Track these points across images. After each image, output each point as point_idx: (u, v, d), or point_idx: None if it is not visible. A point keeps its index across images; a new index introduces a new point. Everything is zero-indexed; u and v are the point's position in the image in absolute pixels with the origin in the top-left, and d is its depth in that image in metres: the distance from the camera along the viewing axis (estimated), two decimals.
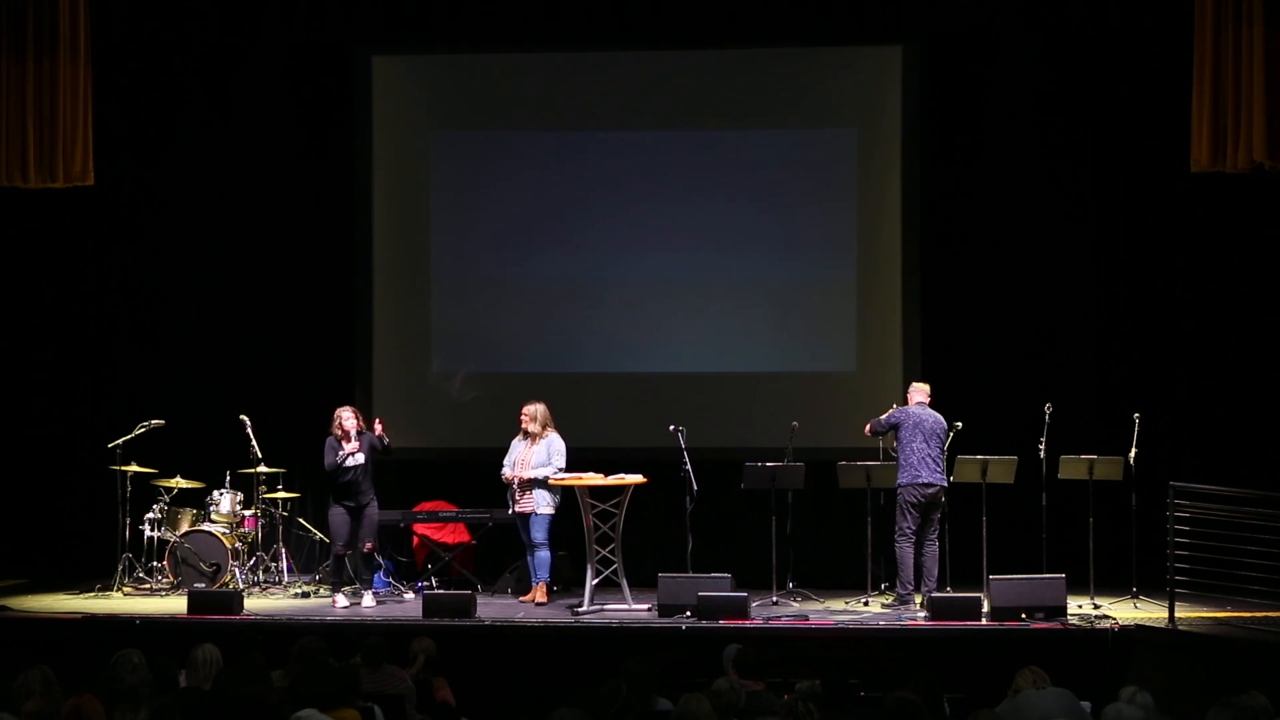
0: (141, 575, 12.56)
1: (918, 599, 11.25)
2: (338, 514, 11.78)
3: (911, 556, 11.32)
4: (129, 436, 12.54)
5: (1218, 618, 10.49)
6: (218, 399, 13.43)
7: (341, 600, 11.68)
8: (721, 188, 13.50)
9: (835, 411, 13.13)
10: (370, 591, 11.89)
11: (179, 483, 12.66)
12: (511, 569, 12.61)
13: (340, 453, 11.67)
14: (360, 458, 11.71)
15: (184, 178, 13.89)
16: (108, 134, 13.11)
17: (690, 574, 11.34)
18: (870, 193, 13.46)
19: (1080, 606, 10.94)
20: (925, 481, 11.26)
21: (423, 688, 8.58)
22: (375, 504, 11.92)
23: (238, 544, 12.48)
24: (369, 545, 11.87)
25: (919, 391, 11.64)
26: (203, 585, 11.85)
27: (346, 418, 11.76)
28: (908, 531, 11.31)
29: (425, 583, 12.63)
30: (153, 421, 12.64)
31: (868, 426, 11.71)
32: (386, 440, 11.85)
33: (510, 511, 11.96)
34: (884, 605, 11.54)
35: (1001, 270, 13.35)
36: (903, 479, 11.32)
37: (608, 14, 13.60)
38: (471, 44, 13.78)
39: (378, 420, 12.01)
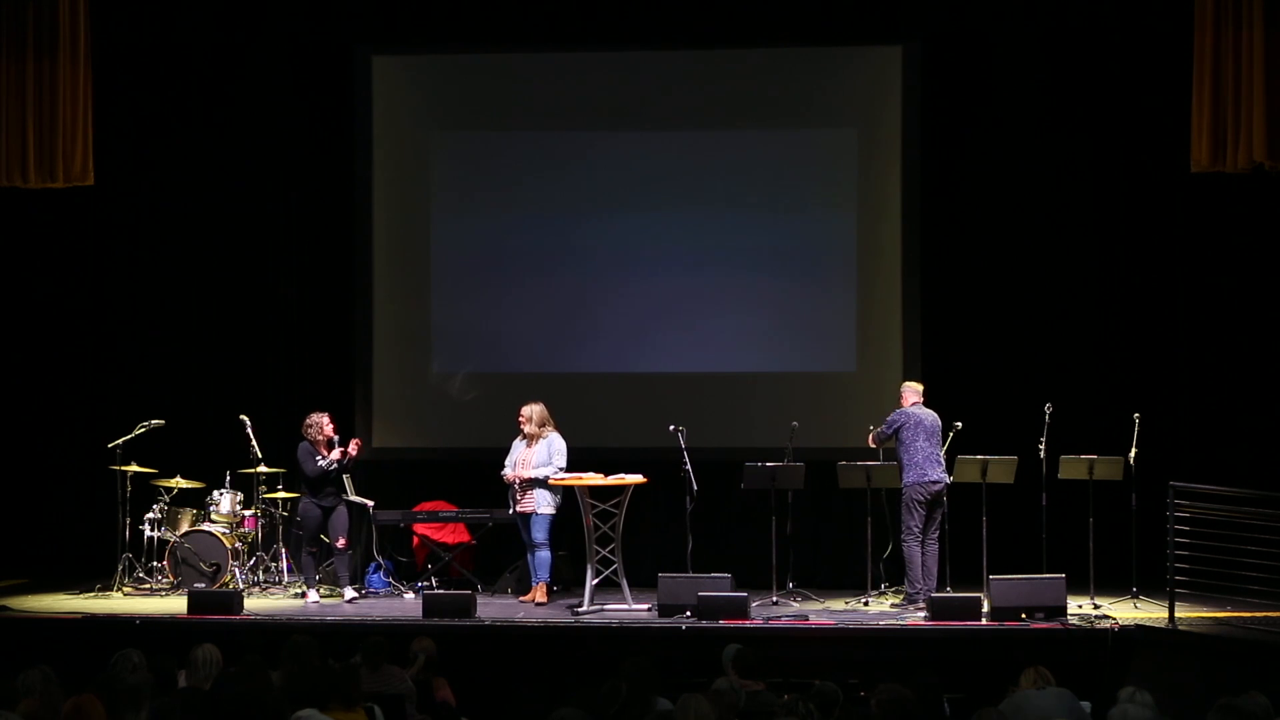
0: (141, 575, 12.55)
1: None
2: (312, 511, 11.92)
3: (919, 555, 11.33)
4: (129, 436, 12.53)
5: (1218, 618, 10.49)
6: (218, 399, 13.43)
7: (313, 595, 11.78)
8: (721, 187, 13.50)
9: (835, 411, 13.13)
10: (352, 587, 11.95)
11: (179, 483, 12.66)
12: (511, 569, 12.61)
13: (326, 460, 11.84)
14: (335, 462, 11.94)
15: (184, 178, 13.89)
16: (108, 134, 13.11)
17: (690, 574, 11.33)
18: (870, 193, 13.46)
19: (1080, 606, 10.93)
20: (932, 479, 11.30)
21: (423, 688, 8.58)
22: (344, 503, 12.08)
23: (238, 544, 12.48)
24: (343, 541, 11.97)
25: (912, 391, 11.64)
26: (203, 585, 11.86)
27: (329, 426, 11.96)
28: (915, 530, 11.32)
29: (425, 583, 12.63)
30: (153, 421, 12.64)
31: (871, 439, 11.72)
32: (348, 463, 12.08)
33: (511, 511, 11.96)
34: (892, 604, 11.53)
35: (1001, 270, 13.35)
36: (909, 478, 11.33)
37: (608, 14, 13.59)
38: (471, 44, 13.77)
39: (355, 441, 12.19)
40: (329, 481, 11.94)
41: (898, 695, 6.69)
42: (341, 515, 12.03)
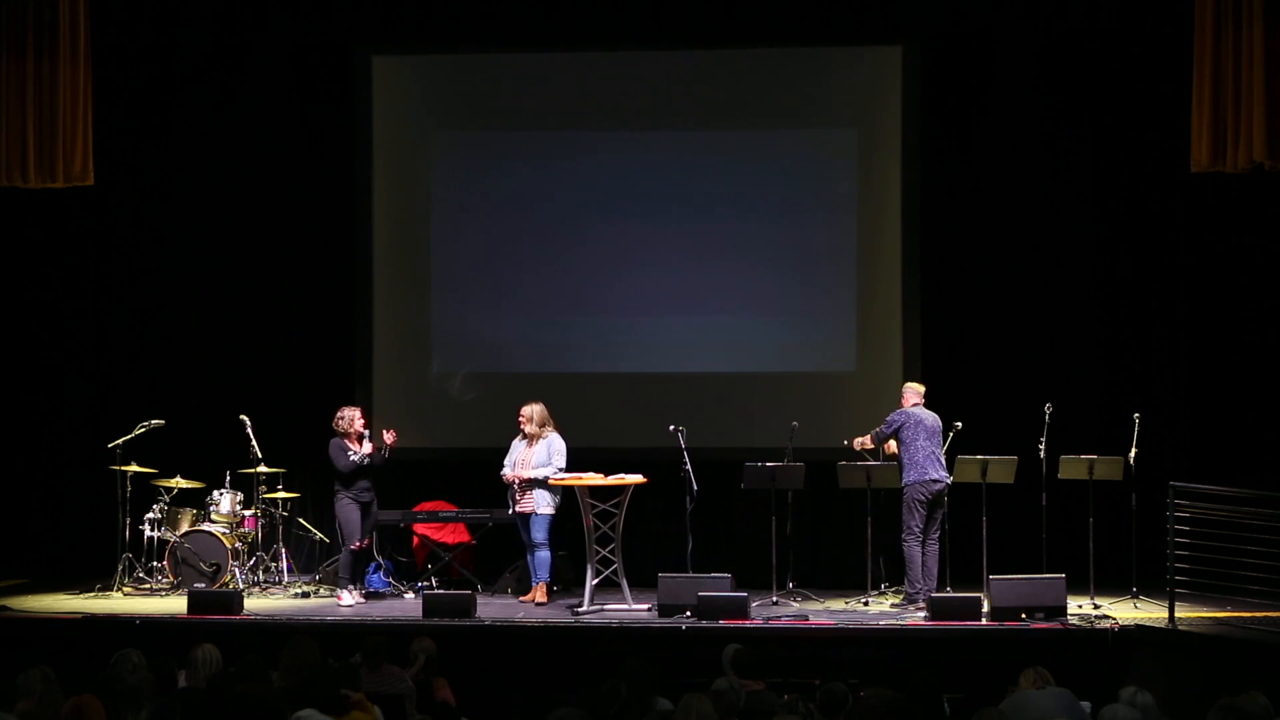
0: (141, 575, 12.55)
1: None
2: (352, 509, 11.82)
3: (919, 555, 11.33)
4: (129, 436, 12.53)
5: (1218, 618, 10.49)
6: (218, 399, 13.42)
7: (347, 598, 11.68)
8: (721, 187, 13.50)
9: (835, 411, 13.12)
10: (357, 588, 11.93)
11: (179, 483, 12.66)
12: (511, 569, 12.61)
13: (358, 454, 11.78)
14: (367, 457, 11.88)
15: (184, 178, 13.88)
16: (108, 134, 13.11)
17: (690, 574, 11.34)
18: (870, 192, 13.46)
19: (1080, 606, 10.94)
20: (932, 478, 11.29)
21: (423, 688, 8.58)
22: (376, 501, 12.05)
23: (238, 544, 12.48)
24: (367, 541, 11.97)
25: (913, 392, 11.64)
26: (203, 585, 11.85)
27: (359, 420, 11.92)
28: (915, 530, 11.32)
29: (425, 583, 12.63)
30: (153, 421, 12.63)
31: (869, 439, 11.69)
32: (386, 452, 11.96)
33: (511, 511, 11.95)
34: (892, 604, 11.53)
35: (1001, 270, 13.35)
36: (909, 478, 11.33)
37: (608, 14, 13.59)
38: (471, 44, 13.78)
39: (391, 432, 12.03)
40: (363, 476, 11.85)
41: (886, 699, 6.69)
42: (374, 515, 12.03)
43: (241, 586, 12.09)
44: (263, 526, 12.86)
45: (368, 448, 11.84)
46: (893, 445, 11.62)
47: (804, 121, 13.54)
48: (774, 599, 11.60)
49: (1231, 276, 13.06)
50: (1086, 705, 7.61)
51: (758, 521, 12.18)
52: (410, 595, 12.28)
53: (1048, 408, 11.67)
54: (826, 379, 13.46)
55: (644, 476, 11.60)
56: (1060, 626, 10.40)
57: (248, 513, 12.70)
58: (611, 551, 11.44)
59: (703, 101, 13.57)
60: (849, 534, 12.45)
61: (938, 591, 11.32)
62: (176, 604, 11.43)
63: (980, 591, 11.05)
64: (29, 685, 6.88)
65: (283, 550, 12.87)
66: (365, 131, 13.79)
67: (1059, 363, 13.17)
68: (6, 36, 12.42)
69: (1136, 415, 11.62)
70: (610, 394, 13.51)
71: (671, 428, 11.72)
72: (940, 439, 11.44)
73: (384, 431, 12.00)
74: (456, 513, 13.02)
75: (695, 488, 11.57)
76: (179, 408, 13.16)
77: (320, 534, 13.33)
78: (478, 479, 12.85)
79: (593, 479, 11.48)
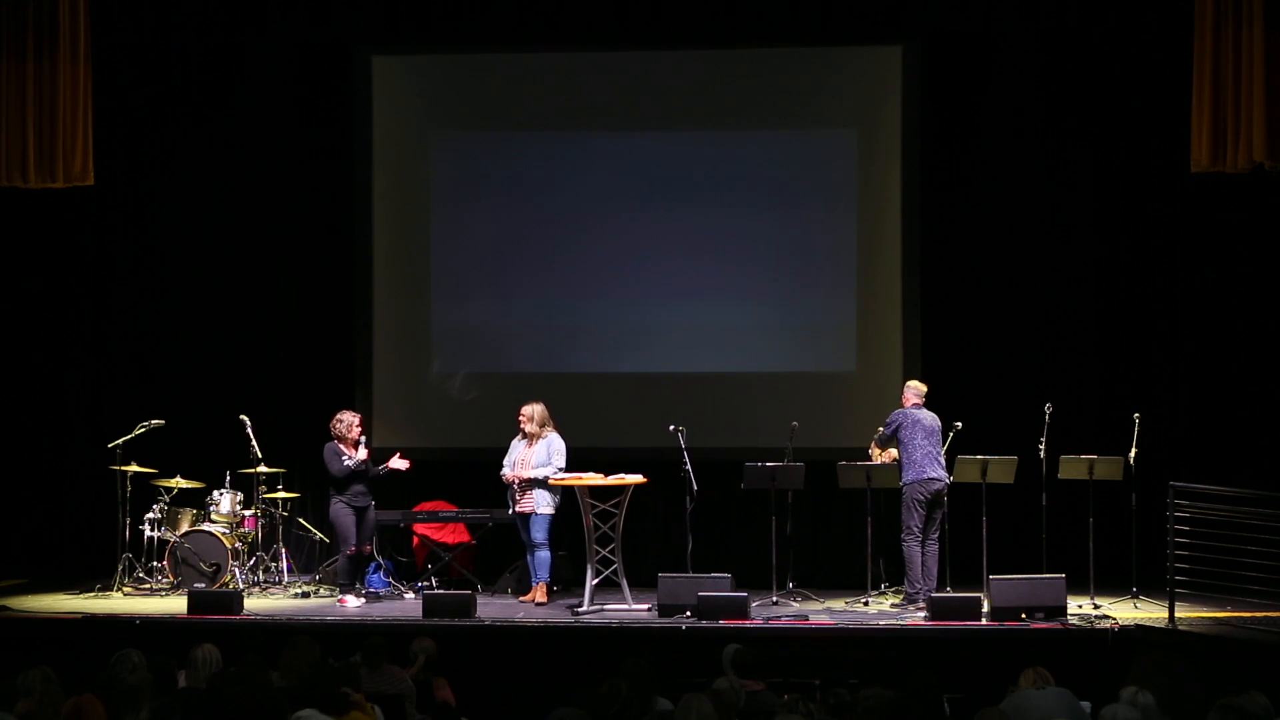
0: (141, 575, 12.55)
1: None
2: (346, 514, 11.79)
3: (919, 555, 11.33)
4: (129, 436, 12.53)
5: (1218, 618, 10.49)
6: (218, 399, 13.43)
7: (352, 601, 11.67)
8: (721, 187, 13.50)
9: (835, 411, 13.14)
10: (355, 592, 11.91)
11: (179, 483, 12.66)
12: (511, 569, 12.61)
13: (353, 460, 11.75)
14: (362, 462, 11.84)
15: (184, 178, 13.89)
16: (108, 134, 13.11)
17: (690, 574, 11.34)
18: (870, 193, 13.46)
19: (1080, 606, 10.94)
20: (931, 477, 11.29)
21: (423, 688, 8.58)
22: (373, 506, 12.00)
23: (238, 544, 12.48)
24: (368, 547, 11.93)
25: (914, 392, 11.64)
26: (203, 585, 11.85)
27: (357, 427, 11.88)
28: (915, 530, 11.32)
29: (425, 583, 12.63)
30: (153, 421, 12.64)
31: (874, 447, 11.74)
32: (384, 471, 11.95)
33: (510, 511, 11.95)
34: (892, 604, 11.53)
35: (1001, 270, 13.35)
36: (908, 477, 11.33)
37: (608, 14, 13.60)
38: (471, 44, 13.78)
39: (405, 460, 12.03)
40: (357, 481, 11.81)
41: (886, 699, 6.69)
42: (371, 520, 11.95)
43: (241, 586, 12.09)
44: (263, 526, 12.87)
45: (363, 453, 11.83)
46: (890, 453, 11.68)
47: (804, 121, 13.54)
48: (774, 599, 11.60)
49: (1231, 276, 13.06)
50: (1086, 705, 7.61)
51: (758, 521, 12.17)
52: (410, 595, 12.28)
53: (1048, 408, 11.67)
54: (826, 379, 13.46)
55: (644, 476, 11.60)
56: (1060, 626, 10.40)
57: (248, 513, 12.70)
58: (611, 551, 11.44)
59: (703, 101, 13.57)
60: (849, 534, 12.45)
61: (938, 591, 11.32)
62: (176, 604, 11.43)
63: (980, 591, 11.05)
64: (29, 685, 6.88)
65: (283, 550, 12.87)
66: (365, 131, 13.79)
67: (1059, 363, 13.18)
68: (6, 36, 12.42)
69: (1136, 415, 11.62)
70: (611, 394, 13.51)
71: (671, 428, 11.71)
72: (939, 439, 11.44)
73: (398, 455, 11.98)
74: (456, 513, 13.02)
75: (695, 488, 11.57)
76: (179, 408, 13.17)
77: (320, 534, 13.33)
78: (478, 479, 12.85)
79: (593, 479, 11.48)
